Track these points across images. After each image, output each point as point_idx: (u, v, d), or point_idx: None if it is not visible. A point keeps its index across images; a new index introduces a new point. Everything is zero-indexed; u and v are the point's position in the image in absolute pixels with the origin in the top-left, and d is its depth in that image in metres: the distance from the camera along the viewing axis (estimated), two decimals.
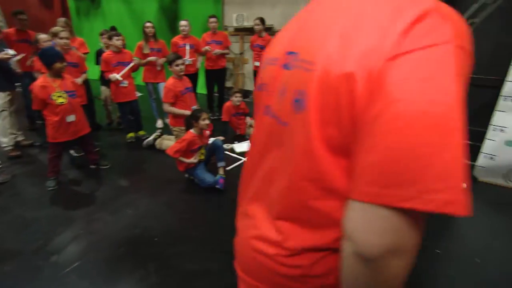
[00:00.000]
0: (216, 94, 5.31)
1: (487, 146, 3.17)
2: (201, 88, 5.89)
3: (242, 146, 3.96)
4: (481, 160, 3.24)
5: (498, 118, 3.06)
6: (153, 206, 2.75)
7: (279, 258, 0.62)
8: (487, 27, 4.03)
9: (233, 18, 6.39)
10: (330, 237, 0.56)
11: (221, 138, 4.13)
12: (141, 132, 4.29)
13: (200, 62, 4.89)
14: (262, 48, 4.82)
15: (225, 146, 3.93)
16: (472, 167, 3.37)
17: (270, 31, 6.15)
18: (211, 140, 3.44)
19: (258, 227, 0.67)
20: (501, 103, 3.01)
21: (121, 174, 3.32)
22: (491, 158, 3.16)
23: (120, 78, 3.72)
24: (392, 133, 0.41)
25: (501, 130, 3.04)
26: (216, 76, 5.10)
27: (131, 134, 4.19)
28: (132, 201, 2.80)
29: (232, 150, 3.92)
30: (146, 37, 4.28)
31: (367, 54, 0.45)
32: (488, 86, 5.11)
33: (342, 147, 0.49)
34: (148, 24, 4.27)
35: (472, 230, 2.46)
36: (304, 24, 0.61)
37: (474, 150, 3.45)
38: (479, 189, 3.17)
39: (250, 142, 0.76)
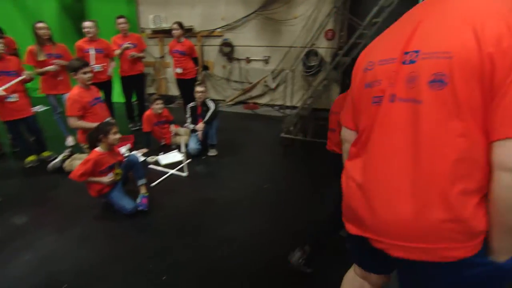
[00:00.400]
0: (136, 102, 4.84)
1: None
2: (118, 97, 5.32)
3: (168, 158, 3.64)
4: None
5: None
6: (61, 243, 2.28)
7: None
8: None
9: (150, 19, 5.92)
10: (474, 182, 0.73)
11: (144, 150, 3.74)
12: (46, 154, 3.62)
13: (113, 68, 4.37)
14: (183, 54, 4.49)
15: (149, 159, 3.57)
16: None
17: (190, 32, 5.89)
18: (127, 154, 3.06)
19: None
20: None
21: (17, 209, 2.70)
22: None
23: (3, 93, 3.04)
24: None
25: None
26: (134, 83, 4.62)
27: (31, 158, 3.49)
28: (31, 242, 2.27)
29: (156, 163, 3.57)
30: (40, 40, 3.59)
31: (500, 39, 0.65)
32: None
33: (479, 106, 0.69)
34: (40, 25, 3.57)
35: None
36: (415, 31, 0.81)
37: None
38: None
39: (376, 128, 0.89)
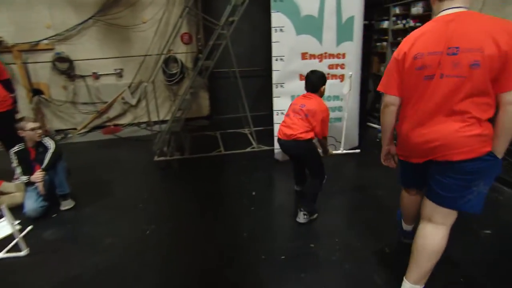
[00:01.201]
0: None
1: (277, 129, 3.47)
2: None
3: None
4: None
5: (276, 103, 3.37)
6: None
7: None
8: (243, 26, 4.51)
9: None
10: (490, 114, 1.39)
11: None
12: None
13: None
14: None
15: None
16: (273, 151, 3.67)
17: (0, 46, 4.39)
18: None
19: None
20: (274, 90, 3.30)
21: None
22: None
23: None
24: None
25: (282, 113, 3.38)
26: None
27: None
28: None
29: None
30: None
31: (508, 43, 1.25)
32: (262, 75, 6.01)
33: (493, 79, 1.31)
34: None
35: None
36: (453, 32, 1.37)
37: (268, 134, 3.84)
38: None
39: (428, 93, 1.47)
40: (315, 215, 2.58)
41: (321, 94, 2.54)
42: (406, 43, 1.51)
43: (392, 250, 2.15)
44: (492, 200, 2.73)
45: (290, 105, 2.58)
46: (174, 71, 4.95)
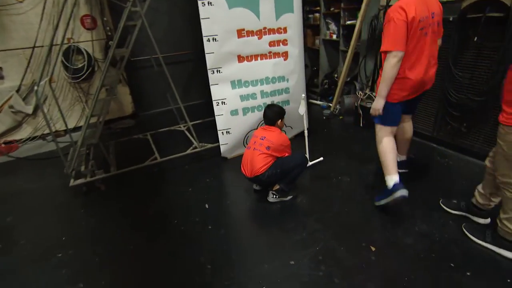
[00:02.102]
0: None
1: (219, 122, 2.93)
2: None
3: None
4: (222, 138, 3.03)
5: (215, 92, 2.81)
6: None
7: None
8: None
9: None
10: None
11: None
12: None
13: None
14: None
15: None
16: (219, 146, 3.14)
17: None
18: None
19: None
20: (211, 76, 2.73)
21: None
22: (227, 133, 2.99)
23: None
24: None
25: (224, 103, 2.85)
26: None
27: None
28: None
29: None
30: None
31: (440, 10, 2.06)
32: (191, 60, 5.25)
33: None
34: None
35: None
36: (429, 1, 1.94)
37: (208, 126, 3.30)
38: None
39: (427, 47, 2.00)
40: (288, 197, 2.45)
41: (280, 127, 2.49)
42: (410, 9, 1.85)
43: (378, 247, 1.92)
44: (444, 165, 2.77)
45: (252, 137, 2.47)
46: (80, 65, 3.90)
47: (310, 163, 2.89)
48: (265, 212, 2.37)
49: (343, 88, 4.18)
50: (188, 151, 3.11)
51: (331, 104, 4.31)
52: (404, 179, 2.20)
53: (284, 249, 1.97)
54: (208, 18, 2.46)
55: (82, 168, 2.73)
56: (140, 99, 4.72)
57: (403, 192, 2.03)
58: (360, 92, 3.69)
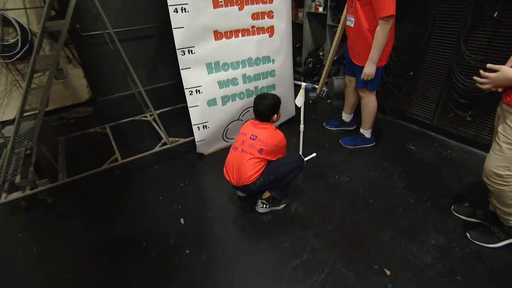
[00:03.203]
0: None
1: (194, 115, 2.38)
2: None
3: None
4: (198, 134, 2.48)
5: (187, 77, 2.22)
6: None
7: None
8: None
9: None
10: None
11: None
12: None
13: None
14: None
15: None
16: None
17: None
18: None
19: None
20: (181, 58, 2.13)
21: None
22: (204, 127, 2.45)
23: None
24: None
25: (198, 91, 2.28)
26: None
27: None
28: None
29: None
30: None
31: None
32: (155, 35, 4.45)
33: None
34: None
35: None
36: None
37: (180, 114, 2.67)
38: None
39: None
40: (281, 206, 2.04)
41: (275, 121, 1.98)
42: None
43: (393, 269, 1.57)
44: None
45: (238, 134, 1.95)
46: (12, 41, 3.07)
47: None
48: (254, 226, 1.93)
49: (330, 68, 3.72)
50: (156, 149, 2.55)
51: (316, 86, 3.85)
52: (408, 177, 2.19)
53: (282, 280, 1.57)
54: None
55: (18, 178, 2.10)
56: (98, 82, 3.95)
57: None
58: None
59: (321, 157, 2.55)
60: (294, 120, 3.08)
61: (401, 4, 2.02)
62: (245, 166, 1.79)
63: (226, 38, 2.18)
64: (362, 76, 2.21)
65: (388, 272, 1.57)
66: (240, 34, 2.23)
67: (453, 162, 2.41)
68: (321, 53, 4.10)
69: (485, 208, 1.80)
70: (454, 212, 1.90)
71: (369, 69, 2.15)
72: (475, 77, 1.44)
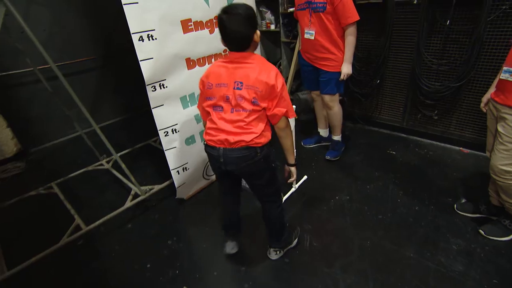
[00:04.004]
0: None
1: (172, 158, 2.01)
2: None
3: None
4: (178, 178, 2.11)
5: (161, 117, 1.86)
6: None
7: None
8: None
9: None
10: None
11: None
12: None
13: None
14: None
15: None
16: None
17: None
18: None
19: None
20: (152, 95, 1.77)
21: None
22: (184, 169, 2.10)
23: None
24: None
25: (174, 131, 1.94)
26: None
27: None
28: None
29: None
30: None
31: None
32: (95, 68, 3.81)
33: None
34: None
35: None
36: None
37: (147, 153, 2.27)
38: None
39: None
40: (293, 243, 1.81)
41: (256, 46, 1.36)
42: None
43: (432, 286, 1.47)
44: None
45: (211, 87, 1.32)
46: None
47: (296, 186, 2.29)
48: (275, 276, 1.64)
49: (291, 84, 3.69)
50: (128, 204, 2.10)
51: None
52: (402, 183, 2.27)
53: None
54: (137, 2, 1.51)
55: None
56: (28, 130, 3.23)
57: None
58: None
59: (312, 178, 2.41)
60: (271, 143, 2.91)
61: (361, 16, 2.08)
62: (240, 124, 1.28)
63: (199, 66, 1.91)
64: (341, 77, 2.25)
65: None
66: (213, 59, 1.99)
67: (434, 160, 2.50)
68: None
69: (487, 203, 1.85)
70: (458, 211, 1.93)
71: (347, 69, 2.23)
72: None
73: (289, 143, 1.43)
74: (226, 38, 1.27)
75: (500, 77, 1.42)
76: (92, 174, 2.59)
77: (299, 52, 2.49)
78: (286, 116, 1.35)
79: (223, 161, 1.35)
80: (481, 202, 1.88)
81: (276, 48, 3.89)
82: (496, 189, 1.70)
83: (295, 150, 1.45)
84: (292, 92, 3.65)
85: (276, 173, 1.48)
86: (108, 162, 2.61)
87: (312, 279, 1.59)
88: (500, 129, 1.49)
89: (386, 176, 2.35)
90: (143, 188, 2.16)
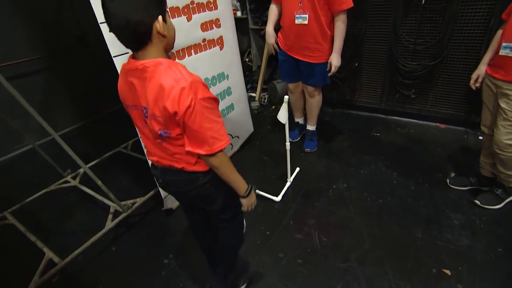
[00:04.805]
0: None
1: None
2: None
3: None
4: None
5: None
6: None
7: None
8: None
9: None
10: None
11: None
12: None
13: None
14: None
15: None
16: None
17: None
18: None
19: None
20: None
21: None
22: None
23: None
24: None
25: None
26: None
27: None
28: None
29: None
30: None
31: None
32: (39, 70, 3.14)
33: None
34: None
35: None
36: None
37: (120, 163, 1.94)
38: None
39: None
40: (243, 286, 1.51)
41: (166, 44, 0.89)
42: None
43: (449, 267, 1.46)
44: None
45: (125, 105, 1.01)
46: None
47: (290, 179, 2.18)
48: (289, 278, 1.52)
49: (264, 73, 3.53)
50: (110, 225, 1.80)
51: (253, 94, 3.61)
52: (393, 165, 2.28)
53: None
54: None
55: None
56: None
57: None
58: None
59: (305, 169, 2.32)
60: (254, 137, 2.76)
61: None
62: (171, 156, 1.00)
63: (179, 59, 1.67)
64: (332, 69, 2.06)
65: (448, 272, 1.47)
66: (192, 51, 1.75)
67: (416, 138, 2.56)
68: (247, 59, 3.88)
69: (477, 175, 1.92)
70: (451, 186, 1.98)
71: (337, 61, 2.05)
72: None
73: (228, 172, 1.01)
74: (110, 29, 0.81)
75: (500, 53, 1.42)
76: (55, 195, 2.19)
77: (276, 41, 2.21)
78: (211, 153, 0.91)
79: (161, 183, 1.12)
80: (471, 175, 1.95)
81: (243, 36, 3.69)
82: (491, 161, 1.76)
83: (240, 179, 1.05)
84: (265, 81, 3.50)
85: (235, 199, 1.10)
86: (74, 178, 2.24)
87: (331, 277, 1.51)
88: (503, 105, 1.51)
89: (377, 158, 2.35)
90: (124, 203, 1.88)
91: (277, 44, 2.21)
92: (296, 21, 2.00)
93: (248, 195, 1.06)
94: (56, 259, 1.60)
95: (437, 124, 2.69)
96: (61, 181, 2.24)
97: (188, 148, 0.92)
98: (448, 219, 1.77)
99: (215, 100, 0.89)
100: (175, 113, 0.83)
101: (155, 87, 0.83)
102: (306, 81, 2.27)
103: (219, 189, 1.08)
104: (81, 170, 2.27)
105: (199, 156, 0.96)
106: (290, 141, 2.02)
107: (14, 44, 2.75)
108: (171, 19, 0.97)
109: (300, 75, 2.27)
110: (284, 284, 1.51)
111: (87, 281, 1.62)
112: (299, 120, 2.72)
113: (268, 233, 1.79)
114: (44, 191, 2.17)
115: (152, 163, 1.11)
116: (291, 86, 2.44)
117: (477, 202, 1.81)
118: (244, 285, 1.49)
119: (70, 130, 3.34)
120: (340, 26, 1.95)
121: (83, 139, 3.16)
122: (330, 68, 2.06)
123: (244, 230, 1.36)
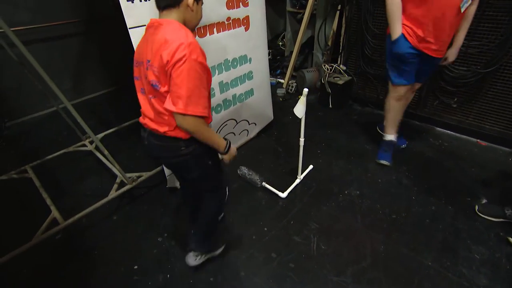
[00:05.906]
0: None
1: None
2: None
3: None
4: None
5: None
6: None
7: None
8: None
9: None
10: None
11: None
12: None
13: None
14: None
15: None
16: None
17: None
18: None
19: None
20: None
21: None
22: None
23: None
24: None
25: None
26: None
27: None
28: None
29: None
30: None
31: None
32: (76, 34, 3.18)
33: None
34: None
35: None
36: None
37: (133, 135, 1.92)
38: None
39: None
40: (218, 251, 1.55)
41: (188, 15, 1.00)
42: None
43: None
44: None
45: (135, 63, 1.08)
46: None
47: (301, 176, 2.05)
48: (277, 283, 1.46)
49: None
50: (113, 194, 1.83)
51: (281, 80, 3.44)
52: (415, 178, 2.05)
53: None
54: None
55: None
56: (3, 101, 2.84)
57: None
58: (326, 65, 2.91)
59: (318, 168, 2.17)
60: (273, 125, 2.63)
61: None
62: (146, 107, 1.08)
63: (199, 36, 1.56)
64: (448, 62, 1.89)
65: None
66: (215, 29, 1.63)
67: (449, 152, 2.27)
68: (280, 43, 3.68)
69: None
70: (479, 214, 1.74)
71: (455, 55, 1.86)
72: None
73: (205, 136, 1.03)
74: None
75: None
76: (72, 156, 2.28)
77: (404, 38, 1.71)
78: (182, 113, 0.92)
79: (147, 145, 1.15)
80: (508, 206, 1.69)
81: (280, 19, 3.47)
82: None
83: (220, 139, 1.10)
84: (296, 69, 3.30)
85: (216, 171, 1.24)
86: (91, 142, 2.30)
87: None
88: None
89: (399, 168, 2.12)
90: (130, 175, 1.88)
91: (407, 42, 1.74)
92: (462, 9, 1.60)
93: (227, 151, 1.13)
94: (60, 219, 1.66)
95: (478, 140, 2.37)
96: (79, 144, 2.32)
97: (166, 104, 0.95)
98: (467, 251, 1.55)
99: (206, 70, 0.94)
100: (167, 62, 0.89)
101: (160, 40, 0.92)
102: (425, 79, 2.01)
103: (198, 162, 1.14)
104: (99, 136, 2.32)
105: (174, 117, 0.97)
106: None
107: (54, 5, 2.80)
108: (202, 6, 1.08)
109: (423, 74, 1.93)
110: (269, 286, 1.43)
111: (86, 245, 1.67)
112: (393, 136, 2.14)
113: (265, 229, 1.71)
114: (63, 151, 2.26)
115: (142, 126, 1.15)
116: (404, 88, 1.93)
117: (511, 240, 1.57)
118: (221, 248, 1.55)
119: (99, 95, 3.45)
120: (471, 15, 1.70)
121: (108, 105, 3.24)
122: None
123: (226, 198, 1.42)
